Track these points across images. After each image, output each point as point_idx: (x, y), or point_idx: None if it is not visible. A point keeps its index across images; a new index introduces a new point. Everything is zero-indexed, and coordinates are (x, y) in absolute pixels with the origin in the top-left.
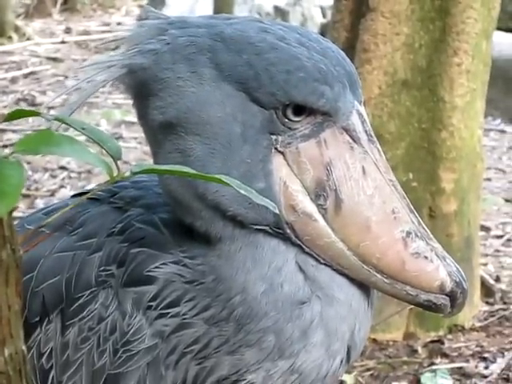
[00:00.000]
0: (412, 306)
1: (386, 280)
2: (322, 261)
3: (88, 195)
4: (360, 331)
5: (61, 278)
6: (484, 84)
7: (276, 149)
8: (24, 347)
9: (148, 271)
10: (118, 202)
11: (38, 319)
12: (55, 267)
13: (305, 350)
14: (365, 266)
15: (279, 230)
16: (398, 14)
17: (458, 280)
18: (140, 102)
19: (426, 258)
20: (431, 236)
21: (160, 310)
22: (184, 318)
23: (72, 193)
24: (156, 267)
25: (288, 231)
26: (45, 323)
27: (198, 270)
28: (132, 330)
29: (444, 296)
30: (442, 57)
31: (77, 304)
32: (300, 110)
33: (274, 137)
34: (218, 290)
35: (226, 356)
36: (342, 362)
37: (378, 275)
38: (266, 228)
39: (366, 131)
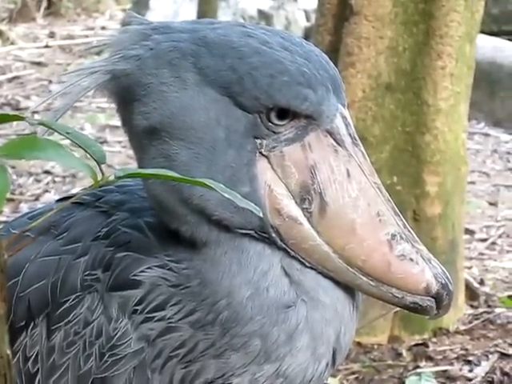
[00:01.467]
0: (397, 309)
1: (371, 282)
2: (307, 264)
3: (73, 199)
4: (345, 334)
5: (46, 282)
6: (468, 87)
7: (261, 153)
8: (9, 351)
9: (134, 275)
10: (104, 206)
11: (23, 323)
12: (41, 272)
13: (290, 353)
14: (350, 269)
15: (265, 233)
16: (382, 17)
17: (443, 282)
18: (124, 108)
19: (411, 260)
20: (416, 238)
21: (146, 313)
22: (170, 322)
23: (57, 197)
24: (141, 271)
25: (273, 235)
26: (30, 327)
27: (183, 273)
28: (118, 335)
29: (430, 298)
30: (425, 60)
31: (62, 308)
32: (284, 113)
33: (258, 141)
34: (203, 294)
35: (212, 360)
36: (327, 365)
37: (363, 278)
38: (252, 232)
39: (350, 134)
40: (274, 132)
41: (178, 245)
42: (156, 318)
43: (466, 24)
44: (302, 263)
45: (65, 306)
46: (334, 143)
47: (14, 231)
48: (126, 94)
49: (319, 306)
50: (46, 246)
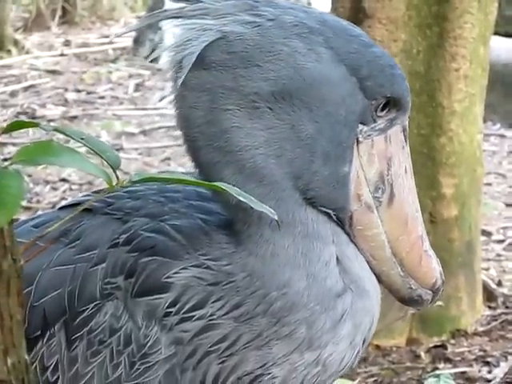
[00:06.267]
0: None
1: (401, 273)
2: (360, 251)
3: (83, 206)
4: (374, 324)
5: (62, 291)
6: (482, 89)
7: (357, 138)
8: (27, 357)
9: (165, 278)
10: (116, 212)
11: (39, 333)
12: (55, 281)
13: (332, 341)
14: (393, 259)
15: (339, 216)
16: (395, 20)
17: (443, 279)
18: (219, 72)
19: (430, 256)
20: None
21: (182, 314)
22: (211, 319)
23: None
24: (174, 273)
25: (346, 220)
26: (47, 337)
27: (223, 270)
28: (150, 342)
29: (431, 292)
30: (439, 62)
31: (81, 317)
32: (386, 104)
33: (361, 126)
34: (252, 287)
35: (254, 351)
36: (357, 354)
37: (398, 268)
38: (330, 212)
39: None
40: (374, 121)
41: (212, 243)
42: (195, 317)
43: (479, 26)
44: (351, 251)
45: (83, 315)
46: (403, 140)
47: (20, 240)
48: (231, 57)
49: (363, 295)
50: (57, 254)
